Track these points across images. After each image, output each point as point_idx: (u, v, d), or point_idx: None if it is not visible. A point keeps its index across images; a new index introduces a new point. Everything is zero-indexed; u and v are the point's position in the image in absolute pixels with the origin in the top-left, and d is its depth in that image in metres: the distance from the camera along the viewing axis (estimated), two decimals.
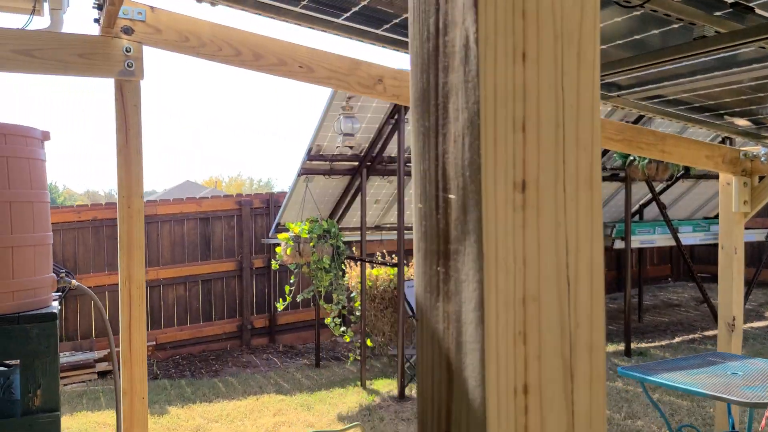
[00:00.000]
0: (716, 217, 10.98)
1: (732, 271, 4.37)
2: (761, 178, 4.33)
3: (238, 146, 67.35)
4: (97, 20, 2.87)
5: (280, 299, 7.18)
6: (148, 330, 9.02)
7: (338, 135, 6.06)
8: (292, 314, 9.79)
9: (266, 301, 9.67)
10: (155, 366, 8.37)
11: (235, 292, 9.47)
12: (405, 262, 6.57)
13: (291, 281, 7.05)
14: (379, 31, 3.15)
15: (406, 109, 6.48)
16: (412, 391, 6.73)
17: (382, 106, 6.49)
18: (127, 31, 2.86)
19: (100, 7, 2.80)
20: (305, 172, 7.03)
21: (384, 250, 9.42)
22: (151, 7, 2.88)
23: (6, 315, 3.20)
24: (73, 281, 3.69)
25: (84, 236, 8.55)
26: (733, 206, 4.34)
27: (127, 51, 2.86)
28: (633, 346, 7.94)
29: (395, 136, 6.86)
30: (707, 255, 12.94)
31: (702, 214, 10.96)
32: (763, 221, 11.45)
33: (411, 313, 7.47)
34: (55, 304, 3.51)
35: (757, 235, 9.60)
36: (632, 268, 12.67)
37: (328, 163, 7.04)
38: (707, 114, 4.05)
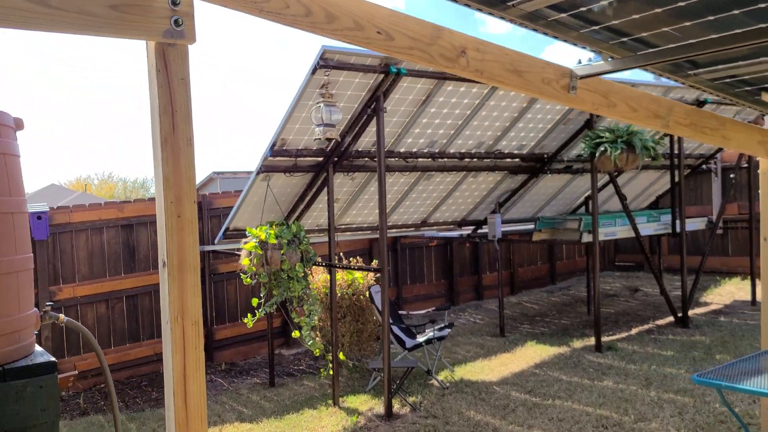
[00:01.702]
0: (650, 207, 11.23)
1: None
2: None
3: (102, 143, 63.23)
4: None
5: (248, 315, 6.36)
6: (65, 357, 7.81)
7: (317, 126, 5.35)
8: (230, 328, 8.90)
9: (202, 315, 8.69)
10: (81, 399, 7.23)
11: None
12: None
13: (261, 293, 6.23)
14: None
15: (386, 95, 5.89)
16: (393, 407, 6.14)
17: (357, 95, 5.85)
18: None
19: None
20: (266, 169, 6.24)
21: (341, 252, 8.76)
22: None
23: None
24: (61, 316, 2.81)
25: None
26: None
27: (173, 4, 2.10)
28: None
29: (370, 128, 6.25)
30: (632, 245, 13.31)
31: (635, 206, 11.16)
32: (698, 210, 11.87)
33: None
34: (41, 349, 2.64)
35: (698, 224, 9.86)
36: (564, 260, 12.81)
37: (292, 158, 6.30)
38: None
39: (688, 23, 2.76)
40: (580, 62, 3.11)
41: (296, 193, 6.93)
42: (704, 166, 11.01)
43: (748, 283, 11.06)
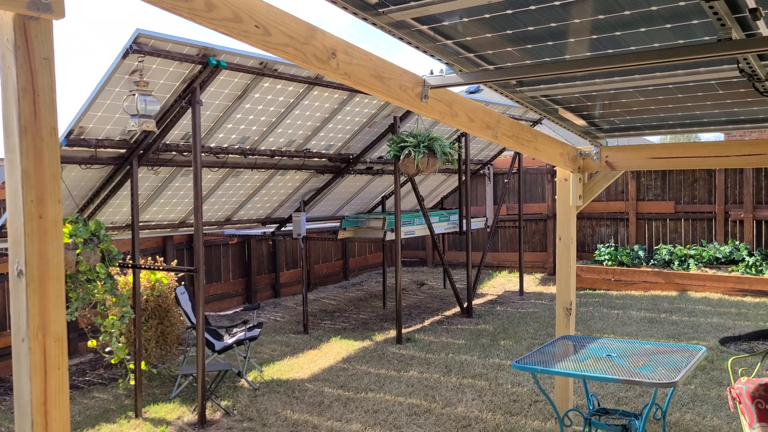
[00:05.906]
0: (436, 207, 12.09)
1: (569, 260, 4.77)
2: (591, 175, 4.81)
3: None
4: None
5: None
6: None
7: (131, 117, 4.91)
8: None
9: None
10: None
11: None
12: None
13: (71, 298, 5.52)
14: None
15: (203, 88, 5.62)
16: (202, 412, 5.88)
17: (170, 85, 5.49)
18: None
19: None
20: (61, 160, 5.57)
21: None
22: None
23: None
24: None
25: None
26: (570, 200, 4.73)
27: None
28: (395, 332, 8.21)
29: (181, 121, 5.91)
30: (415, 242, 14.21)
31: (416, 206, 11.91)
32: (474, 210, 13.01)
33: (191, 323, 6.56)
34: None
35: (479, 224, 10.84)
36: (357, 257, 13.26)
37: (92, 149, 5.70)
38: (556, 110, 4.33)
39: (530, 45, 3.06)
40: (432, 73, 3.28)
41: (91, 187, 6.30)
42: (481, 171, 12.16)
43: (515, 275, 12.45)
